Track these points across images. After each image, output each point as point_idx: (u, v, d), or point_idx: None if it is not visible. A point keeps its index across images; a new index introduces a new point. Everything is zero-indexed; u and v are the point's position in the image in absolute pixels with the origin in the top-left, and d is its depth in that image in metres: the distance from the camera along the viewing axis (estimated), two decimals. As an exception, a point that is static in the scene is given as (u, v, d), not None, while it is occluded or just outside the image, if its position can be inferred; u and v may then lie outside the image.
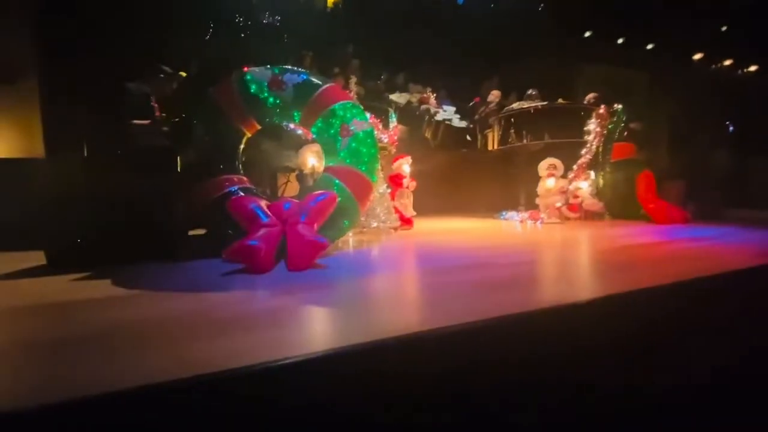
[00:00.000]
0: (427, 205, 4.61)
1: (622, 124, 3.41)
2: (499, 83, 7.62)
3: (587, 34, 7.11)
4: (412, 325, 0.89)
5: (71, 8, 3.89)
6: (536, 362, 0.97)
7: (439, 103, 6.44)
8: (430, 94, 6.32)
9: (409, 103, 6.24)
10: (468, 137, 5.90)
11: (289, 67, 2.19)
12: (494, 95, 5.76)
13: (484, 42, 8.13)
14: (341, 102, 2.19)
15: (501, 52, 7.86)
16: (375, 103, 3.89)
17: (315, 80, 2.20)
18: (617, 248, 1.99)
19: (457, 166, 5.16)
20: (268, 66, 2.15)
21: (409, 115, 6.18)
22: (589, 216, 3.49)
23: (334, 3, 11.28)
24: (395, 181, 3.08)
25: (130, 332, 0.94)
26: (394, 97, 6.23)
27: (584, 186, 3.44)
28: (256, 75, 2.13)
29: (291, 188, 2.92)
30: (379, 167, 2.95)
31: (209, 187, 2.03)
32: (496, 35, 7.99)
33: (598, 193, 3.50)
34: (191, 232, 2.27)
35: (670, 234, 2.52)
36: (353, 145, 2.16)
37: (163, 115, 2.79)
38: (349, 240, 2.55)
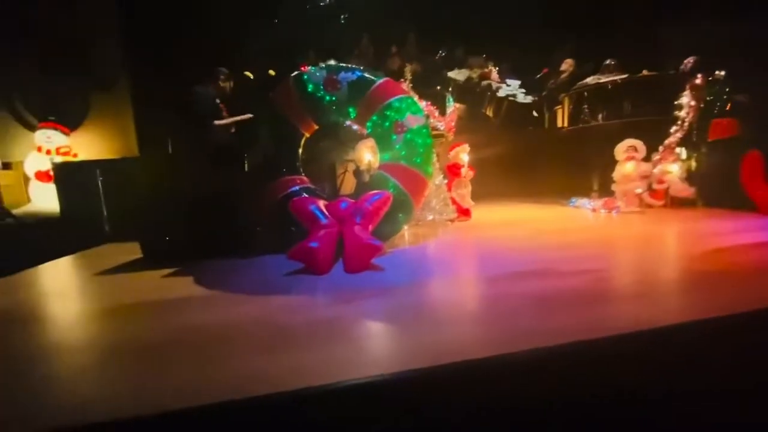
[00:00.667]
0: (488, 189, 4.40)
1: (725, 97, 2.89)
2: (573, 51, 6.88)
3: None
4: (469, 349, 0.88)
5: (154, 22, 4.25)
6: (608, 399, 0.90)
7: (502, 77, 6.01)
8: (492, 68, 5.92)
9: (469, 79, 5.93)
10: (535, 113, 5.46)
11: (344, 65, 2.20)
12: (567, 64, 5.18)
13: (554, 4, 7.33)
14: (395, 97, 2.16)
15: (576, 13, 7.03)
16: (430, 89, 3.71)
17: (369, 76, 2.19)
18: (712, 251, 1.72)
19: (522, 145, 4.83)
20: (323, 65, 2.17)
21: (469, 92, 5.89)
22: (676, 203, 3.08)
23: (390, -24, 10.89)
24: (452, 170, 2.98)
25: (207, 338, 1.06)
26: (452, 74, 5.96)
27: (674, 169, 3.02)
28: (312, 76, 2.17)
29: (348, 180, 2.98)
30: (435, 157, 2.89)
31: (274, 188, 2.15)
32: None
33: (689, 177, 3.05)
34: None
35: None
36: (407, 140, 2.13)
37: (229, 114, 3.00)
38: (405, 234, 2.55)
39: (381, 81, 2.18)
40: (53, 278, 2.05)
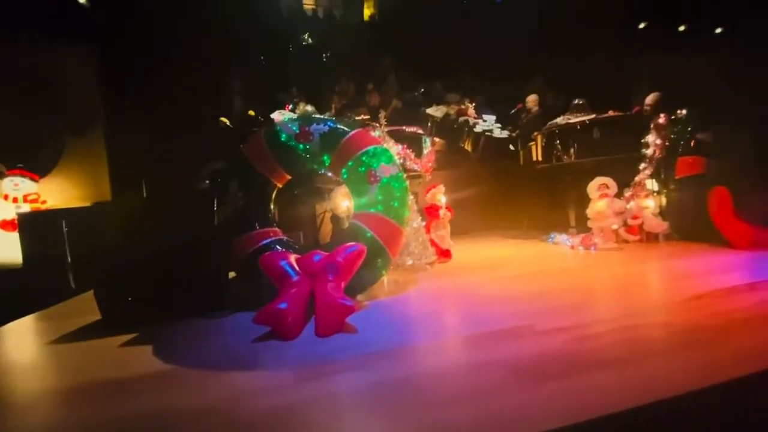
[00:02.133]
0: (468, 223, 4.44)
1: (688, 135, 3.00)
2: (543, 85, 7.18)
3: (642, 25, 6.46)
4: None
5: (130, 69, 4.26)
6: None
7: (479, 112, 6.19)
8: (469, 104, 6.10)
9: (446, 116, 6.07)
10: (511, 147, 5.60)
11: (315, 116, 2.21)
12: (531, 101, 5.38)
13: (526, 40, 7.71)
14: (368, 148, 2.16)
15: (546, 49, 7.40)
16: (410, 128, 3.77)
17: (341, 128, 2.19)
18: (693, 298, 1.71)
19: (499, 179, 4.93)
20: (294, 118, 2.17)
21: (447, 128, 6.03)
22: (651, 238, 3.13)
23: (370, 16, 11.40)
24: (430, 212, 2.97)
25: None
26: (430, 110, 6.09)
27: (650, 204, 3.09)
28: (284, 127, 2.16)
29: (326, 226, 2.93)
30: (412, 199, 2.88)
31: (244, 242, 2.08)
32: (539, 32, 7.54)
33: (661, 213, 3.12)
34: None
35: (762, 268, 2.16)
36: (381, 189, 2.11)
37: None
38: (384, 281, 2.49)
39: (353, 132, 2.18)
40: (2, 347, 1.89)
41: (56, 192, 4.08)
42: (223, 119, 3.11)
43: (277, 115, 4.61)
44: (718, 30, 6.00)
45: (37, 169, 3.98)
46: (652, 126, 3.15)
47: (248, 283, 2.10)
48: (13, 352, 1.84)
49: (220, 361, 1.43)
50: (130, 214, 2.58)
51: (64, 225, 3.07)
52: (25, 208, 3.78)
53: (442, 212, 2.94)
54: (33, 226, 3.21)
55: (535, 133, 3.95)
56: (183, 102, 3.73)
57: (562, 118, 3.70)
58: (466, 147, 5.89)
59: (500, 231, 4.43)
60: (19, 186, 3.85)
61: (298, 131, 2.15)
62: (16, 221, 3.51)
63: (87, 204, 3.93)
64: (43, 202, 3.97)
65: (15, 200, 3.83)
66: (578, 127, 3.42)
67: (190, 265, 2.07)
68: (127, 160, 3.98)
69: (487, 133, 5.73)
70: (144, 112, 3.98)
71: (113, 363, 1.51)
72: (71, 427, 1.06)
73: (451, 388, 1.10)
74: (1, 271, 3.47)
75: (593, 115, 3.51)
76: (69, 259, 3.03)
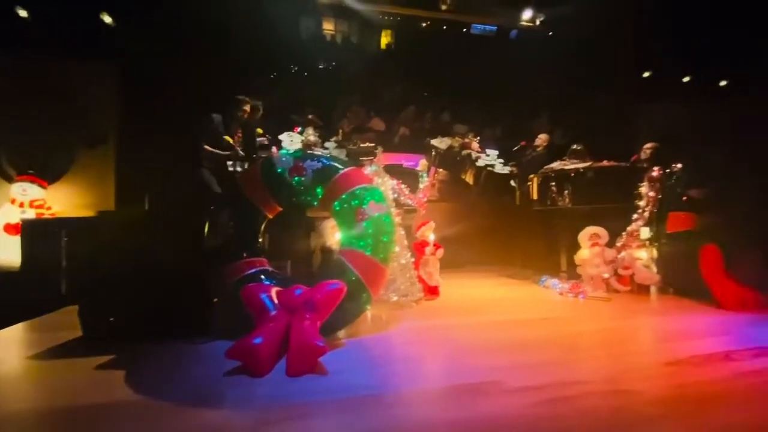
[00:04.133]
0: (463, 258, 4.45)
1: (680, 190, 3.03)
2: (548, 124, 7.29)
3: (646, 74, 6.60)
4: None
5: (148, 86, 4.44)
6: None
7: (483, 146, 6.29)
8: (473, 138, 6.21)
9: (450, 147, 6.18)
10: (512, 183, 5.66)
11: (310, 152, 2.28)
12: (541, 139, 5.44)
13: (535, 79, 7.89)
14: (358, 186, 2.22)
15: (555, 89, 7.55)
16: (409, 164, 3.85)
17: (333, 164, 2.26)
18: (676, 364, 1.70)
19: (497, 215, 4.96)
20: (290, 153, 2.25)
21: (450, 159, 6.13)
22: (642, 290, 3.12)
23: (387, 45, 11.77)
24: (419, 248, 3.00)
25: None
26: (435, 141, 6.21)
27: (643, 255, 3.09)
28: (279, 162, 2.24)
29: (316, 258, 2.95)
30: (402, 234, 2.92)
31: (230, 271, 2.13)
32: (548, 71, 7.72)
33: (653, 265, 3.12)
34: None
35: (745, 334, 2.15)
36: (368, 228, 2.16)
37: None
38: (368, 315, 2.50)
39: (346, 170, 2.25)
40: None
41: (62, 199, 4.20)
42: (227, 138, 3.20)
43: (285, 137, 4.75)
44: (723, 83, 6.09)
45: (47, 177, 4.12)
46: (646, 178, 3.19)
47: (230, 311, 2.13)
48: (-5, 365, 1.87)
49: (188, 394, 1.45)
50: (125, 229, 2.65)
51: (63, 234, 3.17)
52: (30, 213, 3.89)
53: (428, 250, 2.97)
54: (34, 233, 3.29)
55: (532, 175, 4.00)
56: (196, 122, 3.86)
57: (558, 162, 3.75)
58: (467, 180, 5.96)
59: (494, 268, 4.43)
60: (27, 192, 3.98)
61: (292, 165, 2.23)
62: (19, 226, 3.62)
63: (91, 213, 4.03)
64: (48, 208, 4.08)
65: (21, 205, 3.95)
66: (572, 174, 3.47)
67: (176, 288, 2.11)
68: (134, 175, 4.11)
69: (488, 168, 5.82)
70: (157, 130, 4.12)
71: (88, 387, 1.54)
72: None
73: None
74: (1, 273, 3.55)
75: (588, 163, 3.56)
76: (64, 268, 3.10)
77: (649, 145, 3.99)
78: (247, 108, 3.68)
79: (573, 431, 1.17)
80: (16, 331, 2.32)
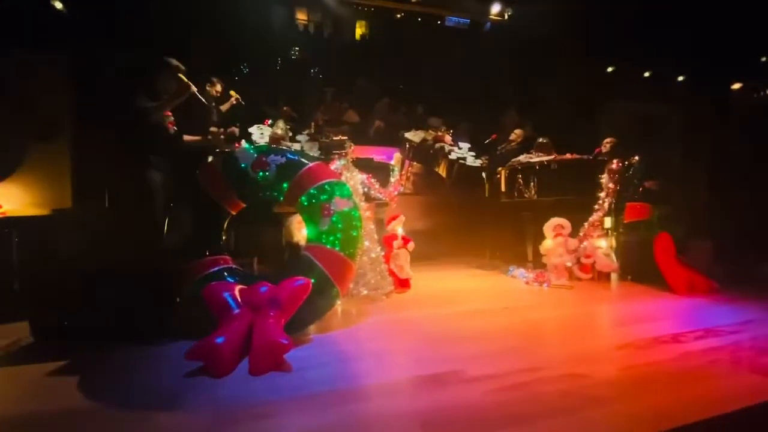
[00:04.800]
0: (435, 249, 4.52)
1: (636, 181, 3.18)
2: (517, 117, 7.44)
3: (609, 69, 6.82)
4: None
5: (103, 76, 4.22)
6: None
7: (455, 140, 6.36)
8: (446, 132, 6.27)
9: (424, 140, 6.22)
10: (483, 175, 5.76)
11: (274, 146, 2.24)
12: (516, 134, 5.50)
13: (506, 72, 8.00)
14: (325, 181, 2.20)
15: (523, 83, 7.69)
16: (379, 157, 3.86)
17: (298, 159, 2.23)
18: (620, 345, 1.82)
19: (468, 208, 5.05)
20: (252, 147, 2.20)
21: (423, 152, 6.17)
22: (603, 277, 3.26)
23: (361, 35, 11.62)
24: (389, 242, 3.02)
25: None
26: (408, 135, 6.23)
27: (603, 244, 3.23)
28: (241, 157, 2.19)
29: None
30: (373, 228, 2.92)
31: (192, 268, 2.07)
32: (519, 65, 7.84)
33: (613, 253, 3.26)
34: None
35: (692, 317, 2.28)
36: (334, 223, 2.15)
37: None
38: (338, 310, 2.50)
39: (311, 165, 2.22)
40: None
41: (15, 197, 3.95)
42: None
43: (255, 130, 4.64)
44: (680, 78, 6.38)
45: (-5, 174, 3.86)
46: (606, 170, 3.32)
47: (193, 310, 2.08)
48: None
49: (145, 399, 1.41)
50: (82, 228, 2.53)
51: (13, 234, 3.00)
52: (-22, 213, 3.64)
53: (396, 243, 2.99)
54: (-18, 234, 3.09)
55: (499, 168, 4.08)
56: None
57: (524, 155, 3.85)
58: (440, 172, 6.03)
59: (465, 259, 4.51)
60: (-26, 190, 3.72)
61: (255, 160, 2.18)
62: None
63: (45, 211, 3.82)
64: (0, 206, 3.83)
65: (-32, 204, 3.69)
66: (537, 167, 3.56)
67: (135, 288, 2.05)
68: (91, 171, 3.91)
69: (461, 161, 5.90)
70: (113, 121, 3.93)
71: (38, 394, 1.48)
72: None
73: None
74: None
75: (553, 156, 3.66)
76: (16, 270, 2.94)
77: (608, 139, 4.16)
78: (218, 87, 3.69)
79: (524, 416, 1.22)
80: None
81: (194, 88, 2.66)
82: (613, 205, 3.22)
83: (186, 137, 2.95)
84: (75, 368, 1.67)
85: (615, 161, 3.23)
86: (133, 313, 2.01)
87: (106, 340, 1.91)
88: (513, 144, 5.34)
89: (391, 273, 3.00)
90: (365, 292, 2.75)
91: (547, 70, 7.04)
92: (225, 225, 2.25)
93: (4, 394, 1.50)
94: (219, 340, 1.65)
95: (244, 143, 3.39)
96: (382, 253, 2.95)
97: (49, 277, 2.04)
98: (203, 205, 2.15)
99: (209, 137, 3.12)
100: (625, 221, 3.16)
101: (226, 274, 2.10)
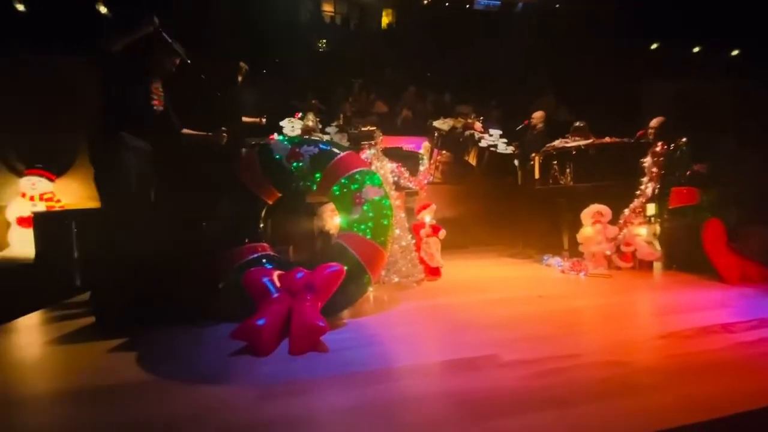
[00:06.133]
0: (466, 238, 4.48)
1: (683, 165, 2.98)
2: (555, 100, 7.14)
3: (654, 46, 6.39)
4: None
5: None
6: None
7: (486, 127, 6.21)
8: (475, 119, 6.13)
9: (453, 128, 6.12)
10: (516, 163, 5.61)
11: (307, 137, 2.29)
12: (536, 118, 5.29)
13: (539, 55, 7.69)
14: (355, 170, 2.23)
15: (558, 65, 7.36)
16: (408, 147, 3.84)
17: (331, 149, 2.27)
18: (662, 334, 1.74)
19: (500, 196, 4.94)
20: (286, 138, 2.26)
21: (453, 141, 6.07)
22: (644, 266, 3.12)
23: (387, 24, 11.50)
24: (419, 231, 3.03)
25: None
26: (437, 123, 6.15)
27: (643, 232, 3.08)
28: (276, 148, 2.26)
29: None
30: (403, 216, 2.94)
31: (233, 256, 2.18)
32: (554, 46, 7.51)
33: (656, 241, 3.10)
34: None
35: (744, 307, 2.14)
36: (366, 211, 2.19)
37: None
38: (370, 297, 2.55)
39: (342, 154, 2.26)
40: (3, 345, 2.02)
41: (70, 192, 4.29)
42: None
43: (286, 123, 4.74)
44: (735, 53, 5.88)
45: (53, 170, 4.20)
46: (649, 153, 3.14)
47: (234, 295, 2.19)
48: (15, 349, 1.97)
49: (195, 373, 1.52)
50: (130, 220, 2.71)
51: (73, 225, 3.25)
52: (41, 206, 3.99)
53: (423, 232, 3.00)
54: (46, 225, 3.38)
55: (533, 154, 3.96)
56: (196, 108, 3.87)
57: (559, 140, 3.71)
58: (470, 161, 5.92)
59: (497, 248, 4.44)
60: (36, 185, 4.08)
61: (289, 151, 2.25)
62: (31, 219, 3.72)
63: (97, 204, 4.12)
64: (58, 201, 4.18)
65: (32, 198, 4.05)
66: (574, 152, 3.43)
67: (182, 274, 2.18)
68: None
69: (491, 148, 5.76)
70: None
71: (99, 369, 1.62)
72: (47, 430, 1.16)
73: (396, 420, 1.15)
74: (15, 264, 3.67)
75: (591, 140, 3.51)
76: (76, 258, 3.20)
77: (655, 120, 3.92)
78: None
79: (561, 401, 1.21)
80: (34, 319, 2.42)
81: (183, 54, 2.30)
82: (657, 191, 3.06)
83: (185, 130, 2.51)
84: (131, 347, 1.81)
85: (660, 143, 3.05)
86: (180, 298, 2.15)
87: (157, 322, 2.06)
88: (537, 127, 5.13)
89: (422, 261, 3.01)
90: (396, 279, 2.78)
91: (584, 50, 6.71)
92: (262, 214, 2.34)
93: (68, 368, 1.66)
94: (260, 322, 1.73)
95: (276, 136, 3.48)
96: (413, 242, 2.96)
97: (107, 264, 2.20)
98: (242, 195, 2.25)
99: (210, 134, 2.53)
100: (671, 207, 2.99)
101: (264, 260, 2.20)
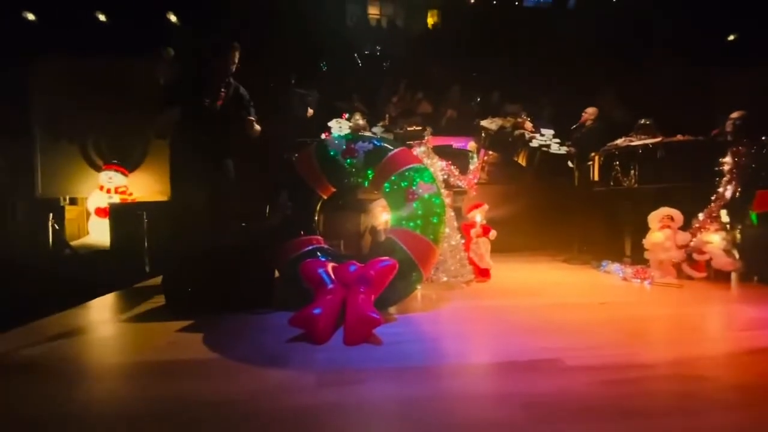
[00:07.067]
0: (517, 241, 4.30)
1: (771, 165, 2.67)
2: (614, 99, 6.70)
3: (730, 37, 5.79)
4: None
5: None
6: None
7: (537, 126, 5.96)
8: (525, 118, 5.91)
9: (501, 128, 5.94)
10: (570, 164, 5.32)
11: (361, 134, 2.32)
12: (588, 113, 4.92)
13: (596, 51, 7.25)
14: (408, 166, 2.23)
15: (620, 59, 6.89)
16: (458, 145, 3.78)
17: (384, 146, 2.29)
18: (748, 350, 1.57)
19: (553, 198, 4.71)
20: (342, 135, 2.31)
21: (501, 141, 5.90)
22: (720, 277, 2.83)
23: (433, 25, 11.45)
24: (468, 230, 2.96)
25: (189, 420, 1.11)
26: (485, 123, 5.99)
27: (715, 239, 2.80)
28: (332, 144, 2.32)
29: (366, 238, 3.03)
30: (453, 215, 2.89)
31: (289, 247, 2.26)
32: (612, 41, 7.05)
33: (735, 249, 2.81)
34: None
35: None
36: (418, 208, 2.18)
37: None
38: (418, 295, 2.54)
39: (395, 150, 2.27)
40: (84, 321, 2.22)
41: (142, 186, 4.68)
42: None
43: (334, 124, 4.86)
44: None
45: (127, 165, 4.62)
46: (730, 152, 2.86)
47: (290, 285, 2.27)
48: (92, 325, 2.17)
49: (256, 356, 1.59)
50: (195, 211, 2.89)
51: (144, 216, 3.54)
52: (116, 198, 4.39)
53: (473, 232, 2.92)
54: (120, 215, 3.71)
55: (593, 154, 3.73)
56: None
57: (623, 139, 3.47)
58: (520, 161, 5.71)
59: (549, 252, 4.25)
60: (113, 179, 4.49)
61: (344, 148, 2.29)
62: (108, 210, 4.10)
63: (166, 198, 4.45)
64: (131, 194, 4.58)
65: (108, 191, 4.46)
66: (640, 151, 3.19)
67: (244, 264, 2.29)
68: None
69: (543, 149, 5.52)
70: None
71: (167, 347, 1.74)
72: (116, 400, 1.27)
73: (457, 416, 1.13)
74: (94, 251, 4.07)
75: (659, 138, 3.25)
76: (146, 246, 3.48)
77: (735, 114, 3.54)
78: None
79: (637, 412, 1.12)
80: (110, 299, 2.66)
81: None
82: (737, 194, 2.77)
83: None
84: (198, 328, 1.94)
85: (743, 141, 2.76)
86: (242, 285, 2.27)
87: (222, 309, 2.18)
88: (589, 124, 4.78)
89: (471, 262, 2.94)
90: (445, 278, 2.74)
91: (647, 43, 6.23)
92: (317, 208, 2.41)
93: (143, 344, 1.80)
94: (316, 311, 1.78)
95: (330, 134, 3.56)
96: (462, 241, 2.91)
97: (177, 252, 2.37)
98: (299, 189, 2.33)
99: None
100: (755, 211, 2.69)
101: (318, 253, 2.26)
